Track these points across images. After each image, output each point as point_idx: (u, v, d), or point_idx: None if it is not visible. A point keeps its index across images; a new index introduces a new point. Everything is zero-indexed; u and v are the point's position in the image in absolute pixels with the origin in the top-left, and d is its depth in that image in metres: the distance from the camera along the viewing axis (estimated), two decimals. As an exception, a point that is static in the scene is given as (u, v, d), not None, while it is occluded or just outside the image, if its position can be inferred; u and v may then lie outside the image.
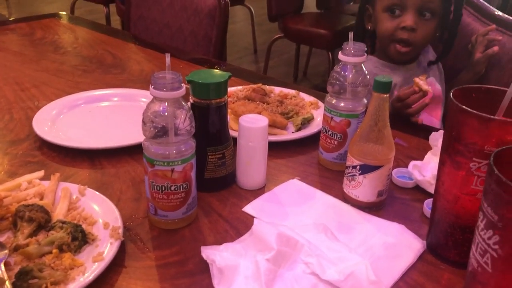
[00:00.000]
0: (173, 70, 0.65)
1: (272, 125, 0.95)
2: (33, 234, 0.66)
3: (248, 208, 0.76)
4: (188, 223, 0.72)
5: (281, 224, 0.68)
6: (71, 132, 0.98)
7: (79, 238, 0.64)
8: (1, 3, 5.44)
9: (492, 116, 0.56)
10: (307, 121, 1.02)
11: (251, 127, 0.77)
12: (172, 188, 0.68)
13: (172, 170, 0.66)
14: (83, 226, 0.66)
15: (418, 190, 0.82)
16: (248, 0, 4.11)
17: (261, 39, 4.42)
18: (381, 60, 1.25)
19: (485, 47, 1.17)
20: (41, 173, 0.79)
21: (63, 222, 0.66)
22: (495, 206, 0.47)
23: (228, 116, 0.90)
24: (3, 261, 0.60)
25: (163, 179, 0.67)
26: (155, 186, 0.68)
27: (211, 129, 0.78)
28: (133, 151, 0.90)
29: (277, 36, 3.34)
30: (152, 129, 0.65)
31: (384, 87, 0.71)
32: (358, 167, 0.74)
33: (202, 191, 0.78)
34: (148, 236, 0.70)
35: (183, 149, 0.66)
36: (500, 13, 1.25)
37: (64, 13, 1.96)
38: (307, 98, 1.14)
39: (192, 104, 0.77)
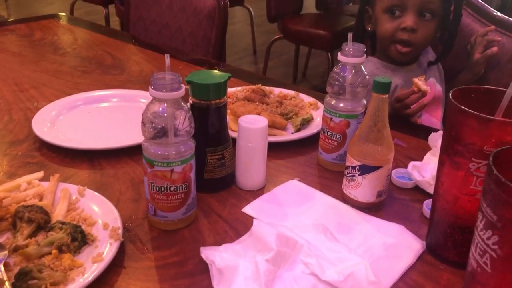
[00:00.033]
0: (173, 71, 0.65)
1: (271, 125, 0.95)
2: (33, 234, 0.66)
3: (248, 209, 0.76)
4: (187, 223, 0.72)
5: (280, 225, 0.68)
6: (70, 133, 0.98)
7: (79, 238, 0.64)
8: (0, 4, 5.44)
9: (491, 117, 0.56)
10: (307, 122, 1.02)
11: (250, 127, 0.77)
12: (172, 188, 0.68)
13: (172, 171, 0.66)
14: (83, 226, 0.66)
15: (418, 191, 0.82)
16: (248, 1, 4.12)
17: (261, 40, 4.42)
18: (382, 61, 1.25)
19: (484, 48, 1.17)
20: (40, 173, 0.79)
21: (63, 223, 0.66)
22: (494, 206, 0.47)
23: (228, 117, 0.91)
24: (3, 261, 0.60)
25: (162, 179, 0.67)
26: (154, 187, 0.68)
27: (211, 130, 0.78)
28: (133, 152, 0.90)
29: (277, 37, 3.35)
30: (151, 129, 0.65)
31: (383, 87, 0.71)
32: (357, 167, 0.74)
33: (201, 192, 0.78)
34: (148, 236, 0.70)
35: (183, 149, 0.66)
36: (499, 14, 1.25)
37: (64, 14, 1.96)
38: (306, 98, 1.14)
39: (191, 104, 0.77)
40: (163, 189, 0.68)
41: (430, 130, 0.97)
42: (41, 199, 0.73)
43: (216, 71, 0.80)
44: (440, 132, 0.83)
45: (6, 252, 0.61)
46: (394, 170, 0.85)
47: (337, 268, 0.60)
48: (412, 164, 0.84)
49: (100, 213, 0.71)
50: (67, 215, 0.70)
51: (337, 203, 0.78)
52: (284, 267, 0.62)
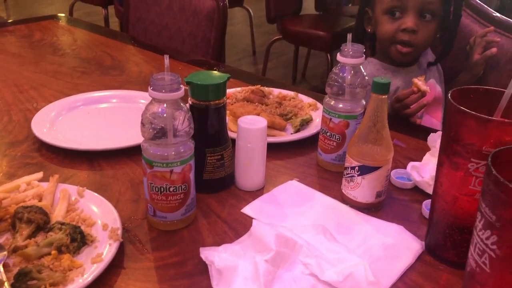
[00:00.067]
0: (172, 72, 0.65)
1: (271, 126, 0.95)
2: (32, 235, 0.66)
3: (247, 209, 0.76)
4: (187, 224, 0.72)
5: (280, 225, 0.68)
6: (69, 133, 0.98)
7: (78, 239, 0.64)
8: (0, 5, 5.44)
9: (490, 117, 0.56)
10: (306, 123, 1.02)
11: (250, 128, 0.77)
12: (171, 189, 0.68)
13: (171, 172, 0.66)
14: (82, 227, 0.66)
15: (417, 191, 0.82)
16: (247, 1, 4.12)
17: (260, 40, 4.42)
18: (382, 62, 1.25)
19: (483, 49, 1.17)
20: (39, 174, 0.79)
21: (62, 224, 0.66)
22: (493, 207, 0.47)
23: (227, 118, 0.91)
24: (2, 262, 0.60)
25: (162, 180, 0.67)
26: (154, 187, 0.68)
27: (210, 131, 0.78)
28: (132, 153, 0.90)
29: (276, 37, 3.35)
30: (151, 130, 0.65)
31: (383, 88, 0.71)
32: (356, 168, 0.74)
33: (200, 192, 0.78)
34: (147, 237, 0.70)
35: (182, 150, 0.67)
36: (498, 14, 1.26)
37: (63, 15, 1.96)
38: (305, 99, 1.14)
39: (191, 105, 0.77)
40: (162, 190, 0.68)
41: (429, 130, 0.97)
42: (40, 200, 0.73)
43: (215, 72, 0.81)
44: (439, 133, 0.83)
45: (5, 252, 0.61)
46: (393, 171, 0.85)
47: (336, 269, 0.60)
48: (411, 164, 0.84)
49: (100, 213, 0.71)
50: (67, 215, 0.70)
51: (337, 204, 0.78)
52: (284, 268, 0.62)
